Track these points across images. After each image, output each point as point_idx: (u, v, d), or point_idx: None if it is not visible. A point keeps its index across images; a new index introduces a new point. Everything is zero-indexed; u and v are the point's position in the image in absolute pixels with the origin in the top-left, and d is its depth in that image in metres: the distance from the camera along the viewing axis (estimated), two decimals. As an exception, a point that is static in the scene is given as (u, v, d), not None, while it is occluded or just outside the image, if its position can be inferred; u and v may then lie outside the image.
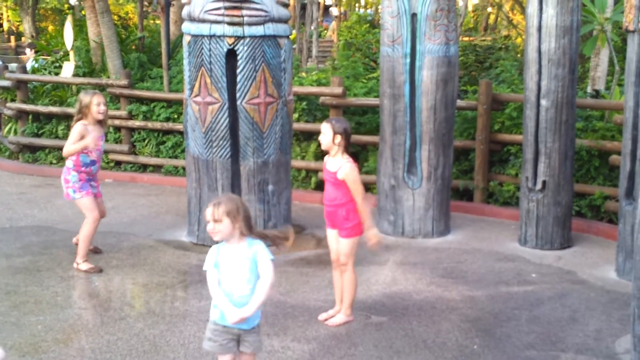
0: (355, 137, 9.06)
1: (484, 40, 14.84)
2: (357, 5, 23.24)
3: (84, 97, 6.30)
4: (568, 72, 6.84)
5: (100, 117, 6.33)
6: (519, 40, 14.77)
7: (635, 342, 4.13)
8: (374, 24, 15.86)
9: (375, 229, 5.25)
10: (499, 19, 18.74)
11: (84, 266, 6.35)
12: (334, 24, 22.60)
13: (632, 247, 5.11)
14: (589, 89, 10.20)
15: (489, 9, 19.23)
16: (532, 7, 6.84)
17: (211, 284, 3.73)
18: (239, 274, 3.72)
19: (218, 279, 3.72)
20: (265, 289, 3.72)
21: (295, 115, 9.07)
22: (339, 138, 5.04)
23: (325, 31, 23.97)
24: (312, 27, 16.79)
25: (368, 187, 8.95)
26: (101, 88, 10.55)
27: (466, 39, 15.07)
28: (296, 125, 8.75)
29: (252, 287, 3.73)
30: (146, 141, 10.17)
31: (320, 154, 9.27)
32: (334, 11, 23.28)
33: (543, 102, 6.88)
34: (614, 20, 8.82)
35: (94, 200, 6.41)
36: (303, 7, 18.96)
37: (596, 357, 4.80)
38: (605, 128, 8.02)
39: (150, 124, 9.98)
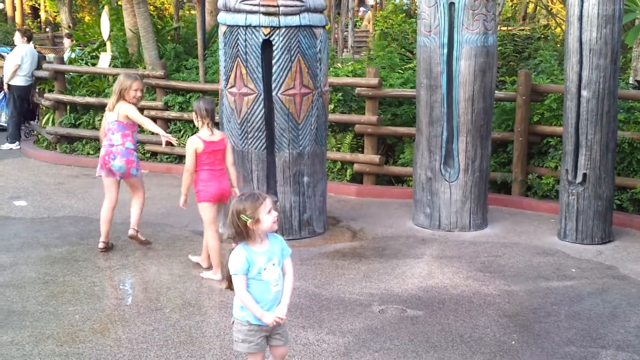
0: (391, 129, 9.01)
1: (523, 29, 14.57)
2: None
3: (125, 81, 6.52)
4: (610, 62, 6.69)
5: (134, 101, 6.57)
6: (558, 30, 14.50)
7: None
8: (411, 14, 15.69)
9: (183, 197, 6.04)
10: (538, 8, 18.44)
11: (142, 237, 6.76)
12: (369, 14, 22.44)
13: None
14: (631, 80, 9.97)
15: (528, -2, 18.91)
16: (574, -4, 6.70)
17: (241, 289, 3.63)
18: (276, 271, 3.69)
19: (249, 283, 3.64)
20: (292, 284, 3.78)
21: (331, 107, 9.02)
22: (194, 115, 5.98)
23: (361, 21, 23.83)
24: (348, 17, 16.68)
25: (404, 180, 8.91)
26: (137, 79, 10.60)
27: (504, 28, 14.84)
28: (331, 117, 8.70)
29: (282, 282, 3.72)
30: (182, 132, 10.20)
31: (356, 146, 9.22)
32: (370, 0, 23.10)
33: (584, 93, 6.73)
34: (657, 9, 8.61)
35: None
36: (339, -3, 18.86)
37: (637, 354, 4.70)
38: (648, 120, 7.84)
39: (186, 115, 9.99)
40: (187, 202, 6.06)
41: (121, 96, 6.48)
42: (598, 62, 6.66)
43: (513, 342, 4.86)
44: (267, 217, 3.61)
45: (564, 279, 6.03)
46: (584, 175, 6.85)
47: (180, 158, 10.24)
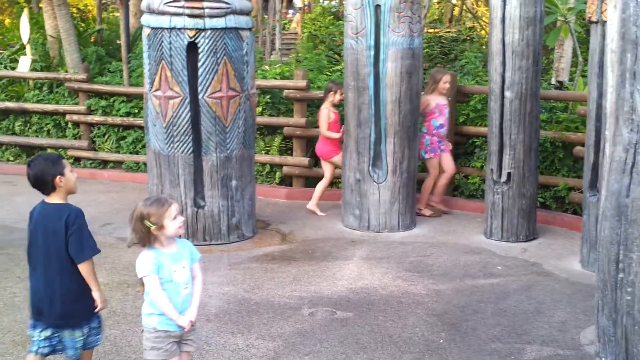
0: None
1: (449, 32, 14.82)
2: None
3: (437, 74, 7.96)
4: (532, 63, 6.83)
5: (444, 91, 7.91)
6: (483, 32, 14.80)
7: (599, 334, 4.12)
8: (338, 16, 15.77)
9: None
10: (463, 10, 18.77)
11: (426, 212, 7.94)
12: (298, 16, 22.48)
13: (596, 239, 5.10)
14: (553, 80, 10.24)
15: (454, 1, 19.25)
16: (496, -1, 6.81)
17: (156, 289, 3.59)
18: (186, 274, 3.66)
19: (161, 284, 3.60)
20: (201, 288, 3.78)
21: (259, 109, 8.96)
22: None
23: (289, 23, 23.83)
24: (275, 19, 16.63)
25: (333, 182, 8.90)
26: (59, 82, 10.34)
27: (431, 30, 15.06)
28: (260, 119, 8.64)
29: (192, 286, 3.71)
30: (106, 137, 9.98)
31: (285, 149, 9.19)
32: (298, 3, 23.13)
33: (507, 93, 6.86)
34: (577, 11, 8.84)
35: (438, 162, 7.92)
36: (266, -1, 18.83)
37: (561, 348, 4.79)
38: (569, 119, 8.05)
39: (110, 119, 9.79)
40: None
41: (434, 88, 7.84)
42: (520, 64, 6.80)
43: (441, 341, 4.90)
44: (172, 223, 3.58)
45: (490, 276, 6.13)
46: (509, 174, 6.98)
47: (105, 163, 10.02)
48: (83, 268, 3.79)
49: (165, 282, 3.59)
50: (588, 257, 6.25)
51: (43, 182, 3.81)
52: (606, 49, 5.39)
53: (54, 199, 3.84)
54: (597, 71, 6.04)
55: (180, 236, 3.75)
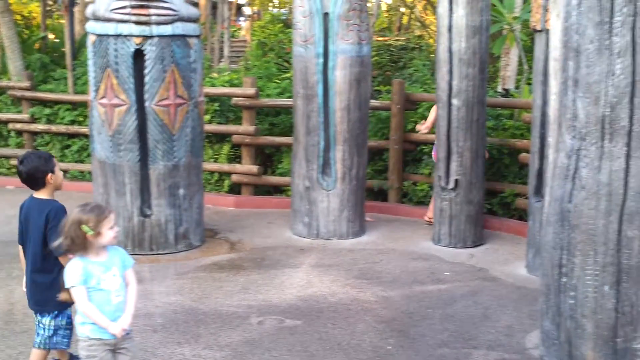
0: (269, 139, 8.98)
1: (398, 40, 14.93)
2: (270, 4, 23.13)
3: None
4: (478, 71, 6.92)
5: None
6: (431, 40, 14.94)
7: (543, 337, 4.17)
8: (288, 24, 15.74)
9: None
10: (412, 19, 18.93)
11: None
12: (247, 24, 22.43)
13: (541, 244, 5.18)
14: (499, 88, 10.39)
15: (402, 9, 19.40)
16: (443, 8, 6.89)
17: (82, 301, 3.53)
18: (117, 282, 3.62)
19: (88, 294, 3.54)
20: (135, 294, 3.74)
21: (207, 117, 8.89)
22: None
23: (239, 31, 23.73)
24: (224, 27, 16.54)
25: (282, 190, 8.89)
26: (1, 90, 10.11)
27: (380, 39, 15.14)
28: (208, 127, 8.58)
29: (125, 294, 3.66)
30: (50, 145, 9.78)
31: (234, 156, 9.13)
32: (247, 10, 23.08)
33: (454, 101, 6.93)
34: (522, 20, 8.99)
35: None
36: (214, 6, 18.69)
37: (507, 353, 4.84)
38: (515, 127, 8.17)
39: (54, 128, 9.61)
40: None
41: None
42: (467, 72, 6.88)
43: (390, 347, 4.90)
44: (109, 232, 3.57)
45: (438, 282, 6.17)
46: (456, 181, 7.04)
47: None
48: (62, 260, 3.93)
49: (93, 291, 3.54)
50: (533, 262, 6.33)
51: (35, 179, 4.09)
52: (550, 57, 5.50)
53: (42, 194, 4.12)
54: (542, 79, 6.14)
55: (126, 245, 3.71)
